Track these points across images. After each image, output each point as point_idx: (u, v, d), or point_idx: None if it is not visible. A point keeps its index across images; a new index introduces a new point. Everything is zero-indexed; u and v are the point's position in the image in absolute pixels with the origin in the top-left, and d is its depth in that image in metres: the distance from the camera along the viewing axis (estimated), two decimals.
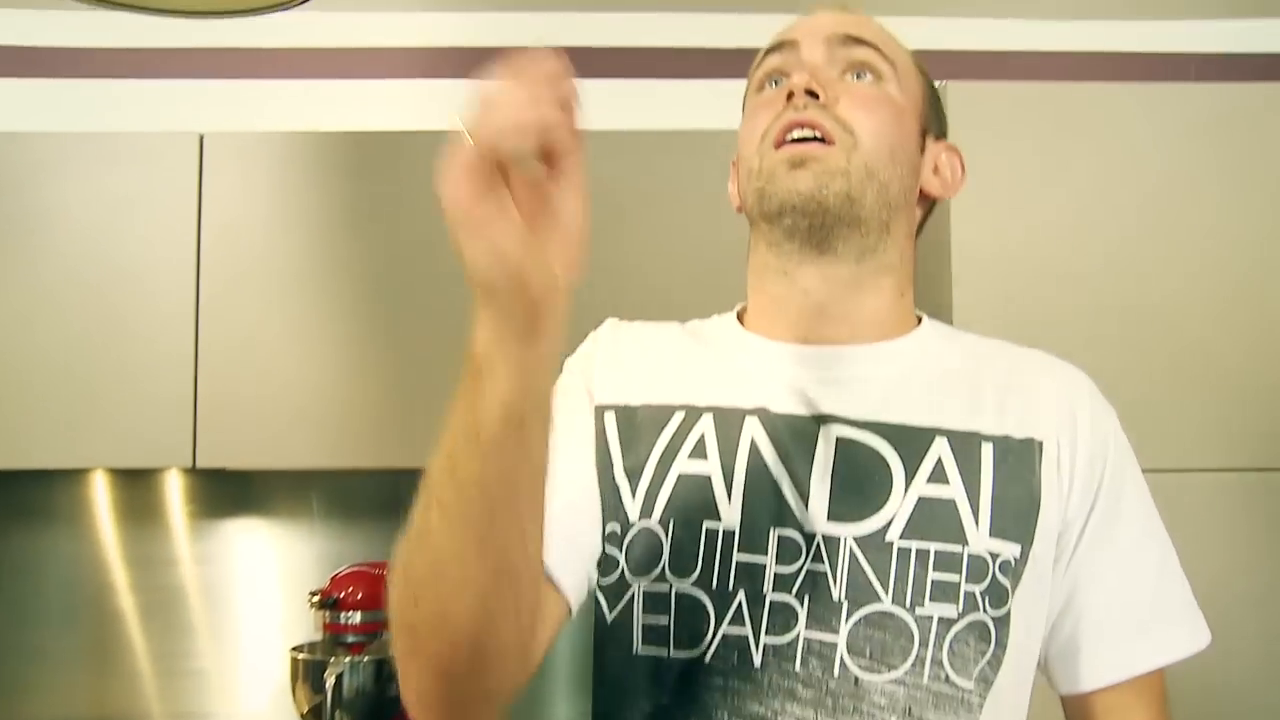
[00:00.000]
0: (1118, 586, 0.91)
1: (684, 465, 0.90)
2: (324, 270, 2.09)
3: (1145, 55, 2.54)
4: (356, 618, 2.01)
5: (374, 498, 2.34)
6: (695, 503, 0.89)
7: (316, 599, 2.03)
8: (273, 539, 2.39)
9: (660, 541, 0.89)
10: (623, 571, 0.90)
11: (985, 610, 0.86)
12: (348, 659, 1.99)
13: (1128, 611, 0.92)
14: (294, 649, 2.08)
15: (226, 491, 2.39)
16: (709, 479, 0.89)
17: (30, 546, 2.37)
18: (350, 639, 2.02)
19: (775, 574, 0.86)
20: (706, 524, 0.88)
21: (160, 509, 2.39)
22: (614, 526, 0.92)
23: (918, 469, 0.88)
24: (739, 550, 0.87)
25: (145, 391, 2.04)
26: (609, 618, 0.92)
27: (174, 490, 2.39)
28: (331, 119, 2.38)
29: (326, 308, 2.08)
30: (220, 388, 2.05)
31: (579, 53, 2.52)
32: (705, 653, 0.87)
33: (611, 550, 0.91)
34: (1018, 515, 0.89)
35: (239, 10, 1.44)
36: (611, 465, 0.93)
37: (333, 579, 2.07)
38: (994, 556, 0.87)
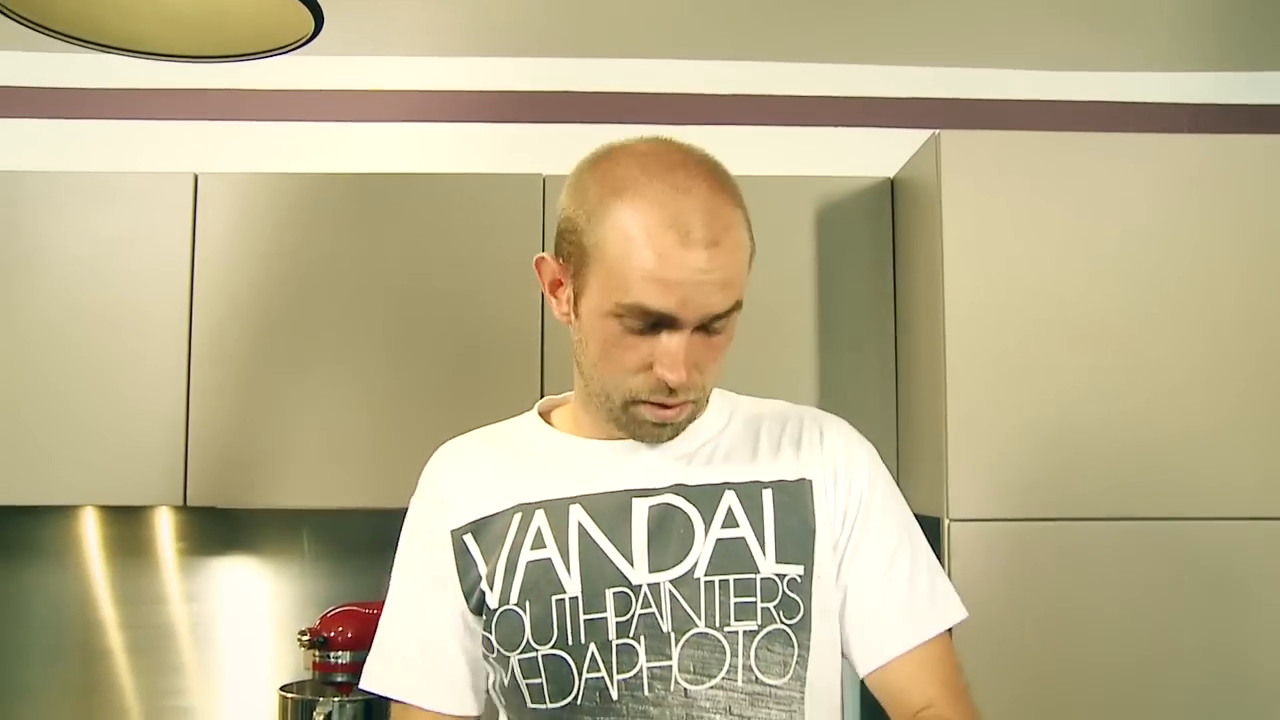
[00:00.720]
0: (879, 583, 1.12)
1: (528, 555, 1.09)
2: (316, 311, 2.10)
3: (1139, 105, 2.57)
4: (346, 657, 2.01)
5: (365, 537, 2.35)
6: (542, 582, 1.08)
7: (306, 638, 2.03)
8: (262, 578, 2.39)
9: (521, 619, 1.08)
10: (498, 650, 1.10)
11: (781, 621, 1.07)
12: (336, 699, 1.99)
13: (889, 601, 1.12)
14: (283, 688, 2.08)
15: (217, 530, 2.39)
16: (550, 561, 1.09)
17: (18, 582, 2.38)
18: (339, 678, 2.03)
19: (616, 623, 1.06)
20: (554, 597, 1.07)
21: (150, 546, 2.39)
22: (485, 616, 1.12)
23: (713, 518, 1.09)
24: (584, 612, 1.07)
25: (137, 429, 2.05)
26: (504, 682, 1.11)
27: (164, 528, 2.39)
28: (325, 161, 2.40)
29: (319, 348, 2.09)
30: (212, 427, 2.06)
31: (570, 97, 2.54)
32: (575, 698, 1.07)
33: (487, 634, 1.11)
34: (798, 541, 1.10)
35: (233, 54, 1.46)
36: (477, 569, 1.12)
37: (322, 618, 2.07)
38: (781, 577, 1.08)
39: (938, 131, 1.94)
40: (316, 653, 2.03)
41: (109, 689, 2.36)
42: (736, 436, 1.15)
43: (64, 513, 2.37)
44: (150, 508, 2.36)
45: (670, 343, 1.02)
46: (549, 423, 1.19)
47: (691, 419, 1.10)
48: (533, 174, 2.13)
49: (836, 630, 1.12)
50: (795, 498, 1.11)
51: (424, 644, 1.14)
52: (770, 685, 1.07)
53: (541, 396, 1.28)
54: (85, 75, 2.47)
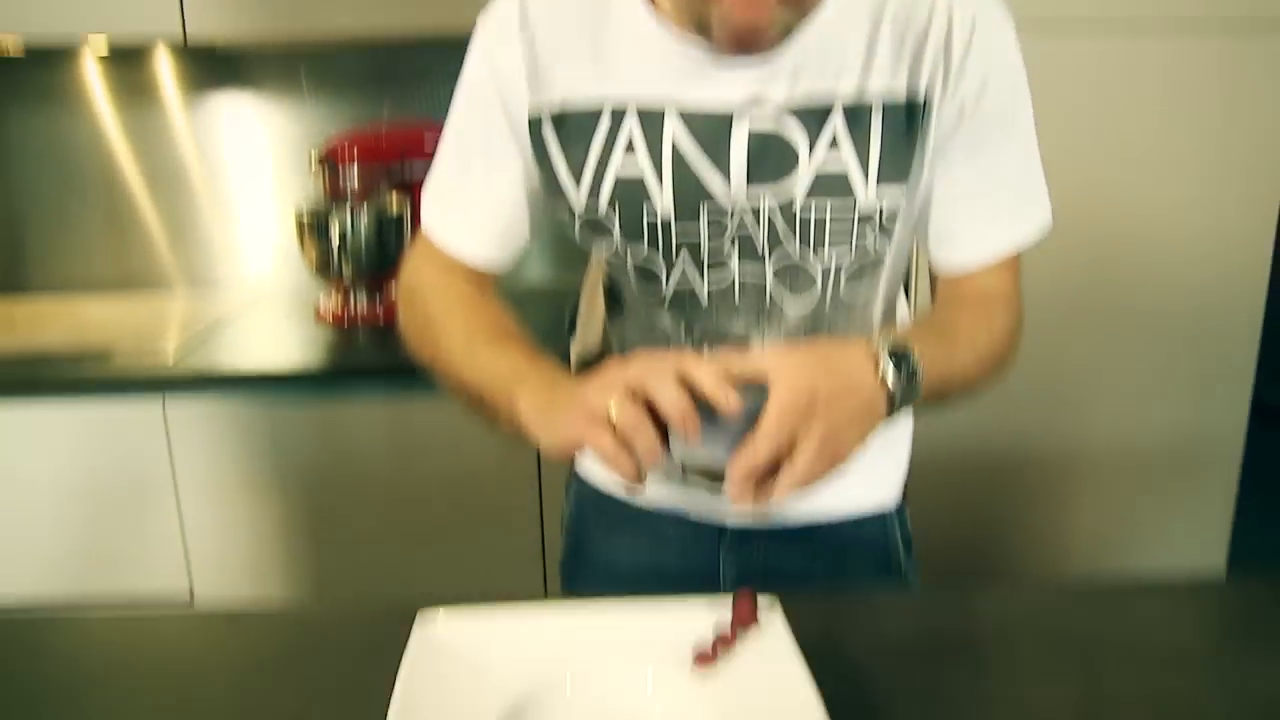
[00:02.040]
0: (972, 195, 1.06)
1: (619, 168, 1.03)
2: None
3: None
4: (354, 174, 2.17)
5: (360, 71, 2.46)
6: (632, 199, 1.04)
7: (317, 157, 2.18)
8: (263, 115, 2.51)
9: (609, 231, 1.07)
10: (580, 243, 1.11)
11: (872, 249, 1.06)
12: (349, 210, 2.18)
13: (977, 214, 1.07)
14: (298, 210, 2.25)
15: (216, 70, 2.48)
16: (641, 178, 1.03)
17: (30, 128, 2.50)
18: (350, 195, 2.20)
19: (710, 245, 1.05)
20: (646, 217, 1.04)
21: (153, 89, 2.49)
22: (564, 216, 1.10)
23: (816, 141, 1.00)
24: (677, 233, 1.05)
25: None
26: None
27: (165, 70, 2.48)
28: None
29: None
30: None
31: None
32: (663, 302, 1.11)
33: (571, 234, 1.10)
34: (901, 166, 1.02)
35: None
36: (554, 168, 1.07)
37: (328, 142, 2.22)
38: (880, 207, 1.03)
39: None
40: (326, 173, 2.19)
41: (133, 222, 2.55)
42: (851, 34, 1.01)
43: (65, 58, 2.46)
44: (149, 50, 2.45)
45: None
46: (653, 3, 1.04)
47: (790, 27, 0.97)
48: None
49: (910, 243, 1.12)
50: (904, 120, 1.01)
51: (475, 191, 1.13)
52: (851, 302, 1.10)
53: None
54: None
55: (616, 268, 1.14)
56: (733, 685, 0.84)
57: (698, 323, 1.12)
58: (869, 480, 1.23)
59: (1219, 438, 2.19)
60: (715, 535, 1.24)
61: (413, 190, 2.26)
